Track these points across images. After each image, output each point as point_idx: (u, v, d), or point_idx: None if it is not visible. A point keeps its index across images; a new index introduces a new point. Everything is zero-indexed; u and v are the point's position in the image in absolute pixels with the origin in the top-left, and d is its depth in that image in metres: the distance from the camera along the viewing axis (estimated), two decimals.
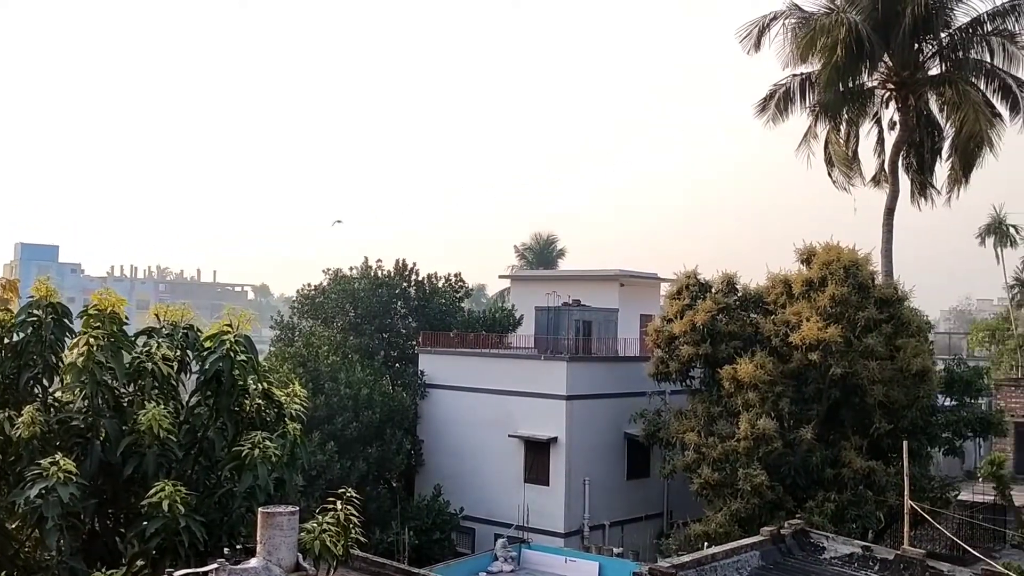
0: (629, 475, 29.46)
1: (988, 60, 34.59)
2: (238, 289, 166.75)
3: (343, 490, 9.79)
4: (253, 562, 8.59)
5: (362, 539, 9.68)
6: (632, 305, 35.50)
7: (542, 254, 76.68)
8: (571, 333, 30.79)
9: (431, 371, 31.23)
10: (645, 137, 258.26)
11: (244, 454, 9.83)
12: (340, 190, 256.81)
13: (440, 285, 35.80)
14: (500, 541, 25.96)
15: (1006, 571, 15.77)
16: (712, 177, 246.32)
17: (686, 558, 14.19)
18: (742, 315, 26.65)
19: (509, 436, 28.58)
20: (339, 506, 9.49)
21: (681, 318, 26.38)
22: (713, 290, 27.14)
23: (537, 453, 28.25)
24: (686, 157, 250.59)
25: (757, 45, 35.76)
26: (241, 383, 10.47)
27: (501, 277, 49.18)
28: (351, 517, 9.48)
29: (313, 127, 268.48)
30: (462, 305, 37.00)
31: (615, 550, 26.25)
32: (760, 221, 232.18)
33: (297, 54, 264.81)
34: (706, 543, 21.55)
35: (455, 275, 36.50)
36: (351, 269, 35.37)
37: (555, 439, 27.73)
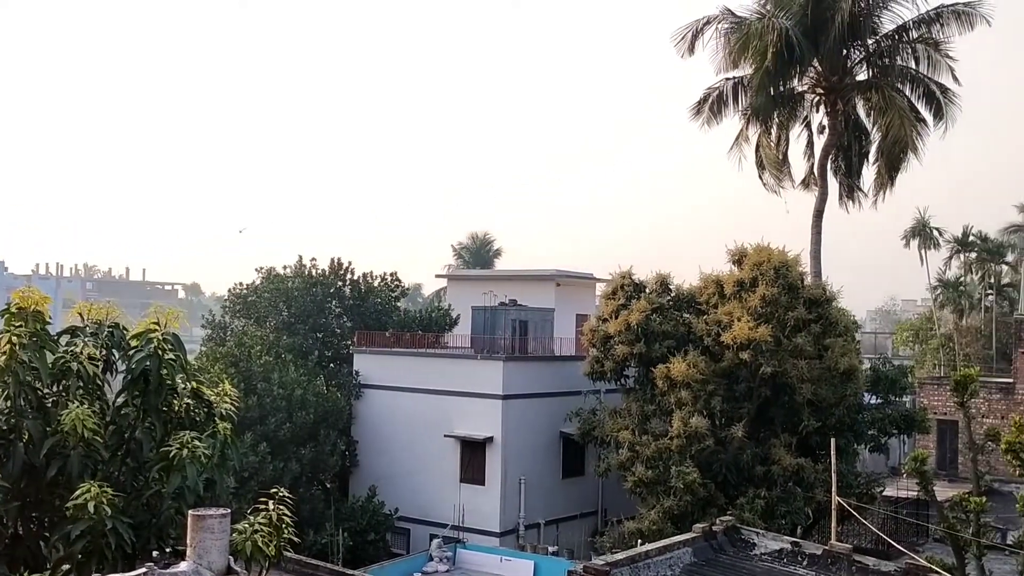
0: (564, 474, 29.60)
1: (913, 67, 35.54)
2: (168, 287, 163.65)
3: (276, 491, 9.65)
4: (183, 566, 8.42)
5: (295, 540, 9.55)
6: (568, 305, 35.68)
7: (479, 253, 76.71)
8: (507, 333, 30.83)
9: (366, 371, 31.00)
10: (589, 145, 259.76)
11: (172, 455, 9.62)
12: (275, 189, 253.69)
13: (376, 284, 35.56)
14: (435, 541, 25.89)
15: (929, 564, 16.21)
16: (650, 178, 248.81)
17: (620, 556, 14.31)
18: (676, 315, 26.97)
19: (445, 436, 28.51)
20: (271, 507, 9.35)
21: (616, 318, 26.60)
22: (647, 290, 27.43)
23: (473, 453, 28.23)
24: (630, 158, 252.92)
25: (691, 49, 36.25)
26: (169, 382, 10.26)
27: (438, 276, 49.06)
28: (284, 518, 9.34)
29: (251, 127, 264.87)
30: (398, 304, 36.80)
31: (550, 549, 26.35)
32: (695, 221, 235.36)
33: (246, 53, 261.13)
34: (640, 540, 21.76)
35: (391, 274, 36.32)
36: (285, 268, 34.95)
37: (491, 439, 27.74)
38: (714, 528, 15.64)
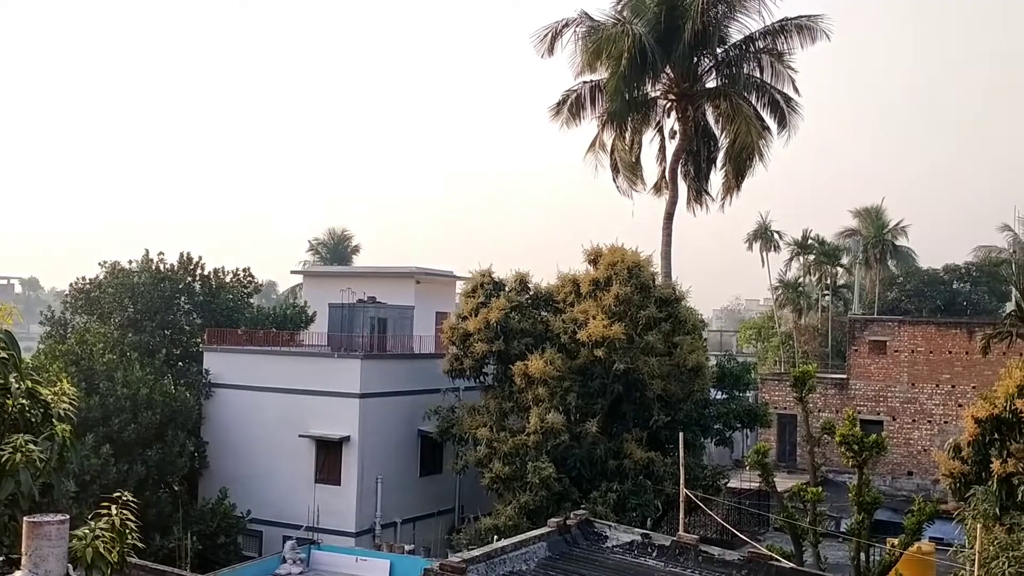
0: (422, 472, 29.53)
1: (759, 76, 37.15)
2: (3, 281, 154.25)
3: (119, 494, 9.25)
4: (18, 575, 8.00)
5: (140, 546, 9.19)
6: (428, 303, 35.58)
7: (336, 250, 75.59)
8: (365, 330, 30.49)
9: (217, 370, 30.06)
10: (454, 143, 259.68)
11: (5, 459, 9.10)
12: (124, 182, 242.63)
13: (228, 280, 34.54)
14: (288, 543, 25.36)
15: (769, 552, 17.00)
16: (514, 177, 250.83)
17: (476, 552, 14.37)
18: (534, 313, 27.33)
19: (300, 436, 27.98)
20: (114, 511, 8.97)
21: (475, 316, 26.74)
22: (507, 289, 27.68)
23: (329, 452, 27.81)
24: (495, 157, 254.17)
25: (551, 50, 36.79)
26: (2, 381, 9.69)
27: (293, 273, 48.17)
28: (128, 523, 8.96)
29: (98, 117, 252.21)
30: (251, 301, 35.88)
31: (407, 547, 26.24)
32: (555, 221, 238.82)
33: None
34: (496, 536, 21.93)
35: (244, 270, 35.36)
36: (131, 262, 33.52)
37: (347, 438, 27.40)
38: (568, 522, 15.91)
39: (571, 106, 37.84)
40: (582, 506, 22.21)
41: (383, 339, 30.74)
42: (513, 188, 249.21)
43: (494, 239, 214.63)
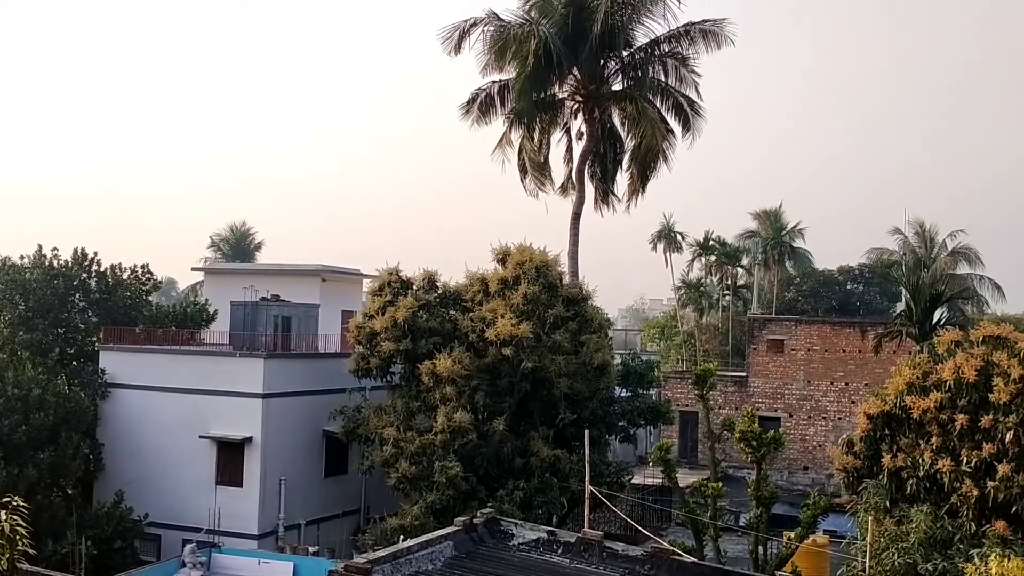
0: (327, 473, 29.21)
1: (664, 79, 37.84)
2: None
3: (8, 499, 8.94)
4: None
5: (31, 552, 8.91)
6: (334, 301, 35.21)
7: (239, 246, 74.18)
8: (269, 329, 30.00)
9: (114, 369, 29.16)
10: (363, 140, 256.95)
11: None
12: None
13: (125, 277, 33.53)
14: (188, 547, 24.77)
15: (671, 547, 17.35)
16: (422, 176, 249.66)
17: (382, 553, 14.28)
18: (442, 312, 27.28)
19: (201, 437, 27.37)
20: (4, 517, 8.66)
21: (383, 314, 26.56)
22: (415, 287, 27.57)
23: (231, 454, 27.27)
24: (403, 155, 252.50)
25: (458, 48, 36.79)
26: None
27: (194, 270, 46.94)
28: (17, 528, 8.68)
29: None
30: (149, 299, 34.92)
31: (311, 549, 25.94)
32: (464, 220, 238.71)
33: None
34: (402, 536, 21.85)
35: (142, 267, 34.34)
36: (22, 258, 32.25)
37: (250, 439, 26.91)
38: (475, 521, 15.95)
39: (481, 105, 37.93)
40: (489, 505, 22.28)
41: (287, 338, 30.31)
42: (425, 187, 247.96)
43: (402, 239, 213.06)
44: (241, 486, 26.97)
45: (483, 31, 36.46)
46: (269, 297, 31.42)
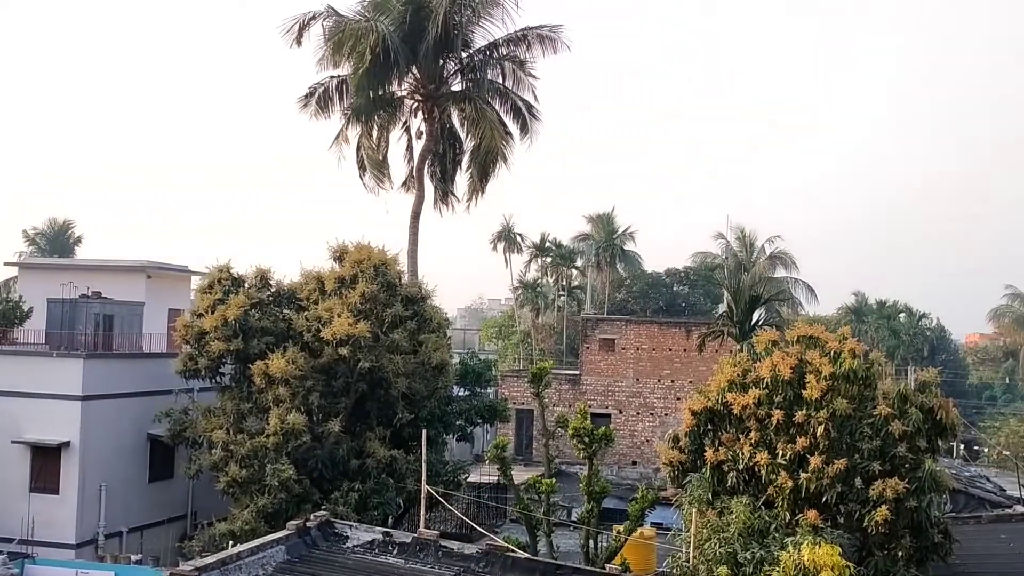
0: (151, 478, 28.05)
1: (502, 82, 38.34)
2: None
3: None
4: None
5: None
6: (160, 299, 33.87)
7: (57, 241, 70.25)
8: (89, 328, 28.53)
9: None
10: (194, 132, 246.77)
11: None
12: None
13: None
14: None
15: (506, 544, 17.59)
16: (258, 169, 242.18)
17: (210, 559, 13.87)
18: (276, 311, 26.67)
19: (13, 442, 25.75)
20: None
21: (212, 313, 25.70)
22: (247, 285, 26.83)
23: (46, 459, 25.76)
24: (235, 146, 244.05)
25: (299, 41, 36.18)
26: None
27: (7, 264, 43.88)
28: None
29: None
30: None
31: (133, 557, 24.89)
32: (300, 216, 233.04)
33: None
34: (232, 542, 21.25)
35: None
36: None
37: (67, 443, 25.51)
38: (308, 524, 15.72)
39: (319, 99, 37.39)
40: (323, 507, 21.95)
41: (109, 337, 29.00)
42: (260, 181, 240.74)
43: (235, 234, 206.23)
44: (57, 493, 25.58)
45: (322, 25, 35.97)
46: (89, 294, 29.95)
